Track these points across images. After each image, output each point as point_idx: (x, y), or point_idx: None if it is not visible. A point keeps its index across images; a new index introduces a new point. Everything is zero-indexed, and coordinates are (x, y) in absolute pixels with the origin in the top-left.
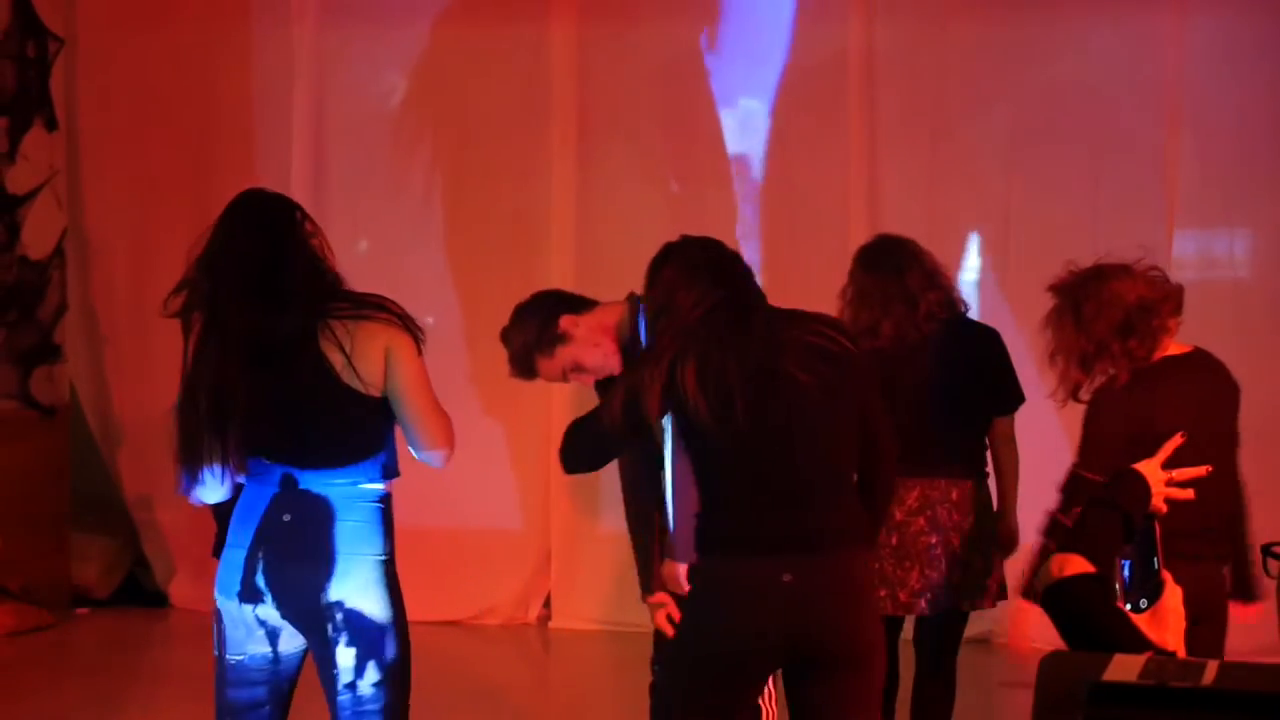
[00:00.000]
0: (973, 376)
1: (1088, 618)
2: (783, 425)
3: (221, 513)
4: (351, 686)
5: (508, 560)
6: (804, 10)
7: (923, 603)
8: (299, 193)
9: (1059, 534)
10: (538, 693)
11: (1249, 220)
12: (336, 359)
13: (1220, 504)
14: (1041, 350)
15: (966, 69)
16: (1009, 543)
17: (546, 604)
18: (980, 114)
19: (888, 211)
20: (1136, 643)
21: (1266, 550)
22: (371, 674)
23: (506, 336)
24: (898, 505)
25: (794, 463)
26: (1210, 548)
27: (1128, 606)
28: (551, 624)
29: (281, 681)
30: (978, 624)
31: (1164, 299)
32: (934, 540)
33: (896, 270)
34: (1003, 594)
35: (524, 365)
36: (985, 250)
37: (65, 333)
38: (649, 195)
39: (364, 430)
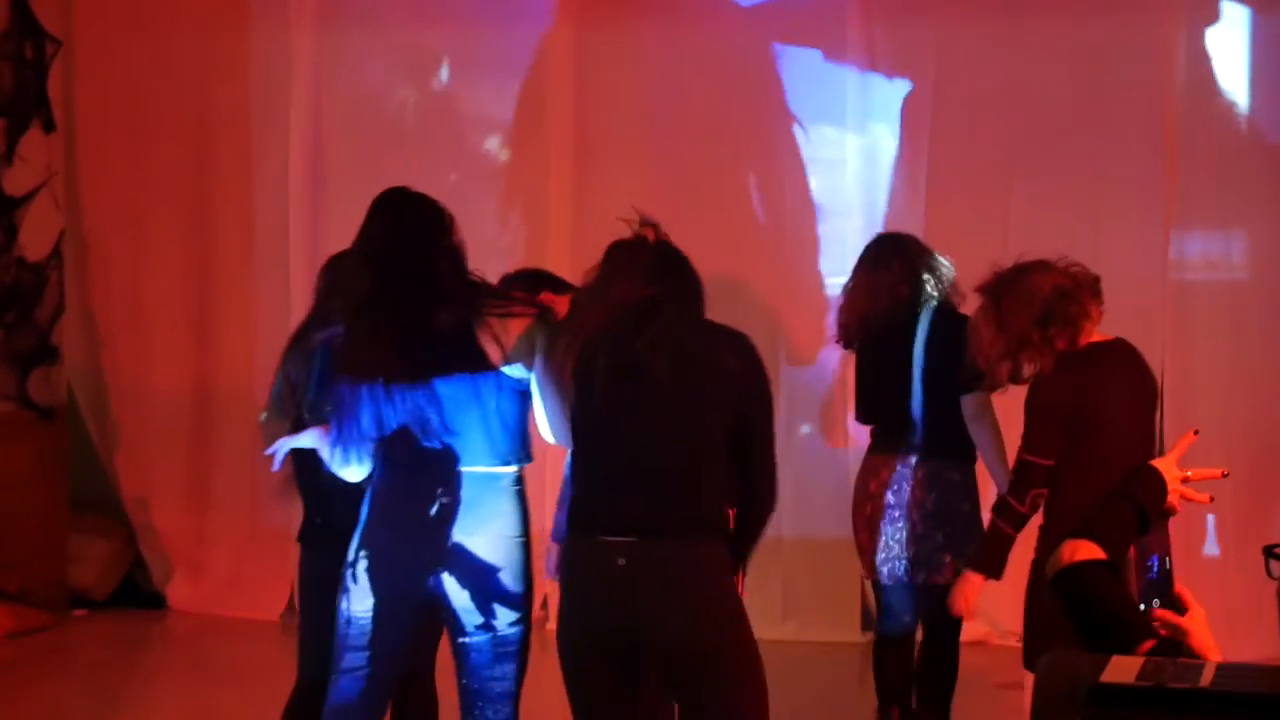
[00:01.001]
0: (938, 361)
1: (1097, 603)
2: (642, 419)
3: (319, 493)
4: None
5: None
6: (803, 10)
7: (885, 571)
8: (296, 194)
9: (1011, 517)
10: (535, 694)
11: (1247, 221)
12: (494, 351)
13: None
14: None
15: (966, 69)
16: None
17: (544, 606)
18: (980, 115)
19: (887, 212)
20: (1144, 630)
21: (1269, 551)
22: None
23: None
24: (873, 479)
25: (649, 454)
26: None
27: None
28: (549, 626)
29: None
30: (977, 625)
31: (1078, 286)
32: (897, 513)
33: (875, 265)
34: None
35: None
36: (984, 251)
37: (63, 334)
38: (646, 197)
39: (511, 417)
